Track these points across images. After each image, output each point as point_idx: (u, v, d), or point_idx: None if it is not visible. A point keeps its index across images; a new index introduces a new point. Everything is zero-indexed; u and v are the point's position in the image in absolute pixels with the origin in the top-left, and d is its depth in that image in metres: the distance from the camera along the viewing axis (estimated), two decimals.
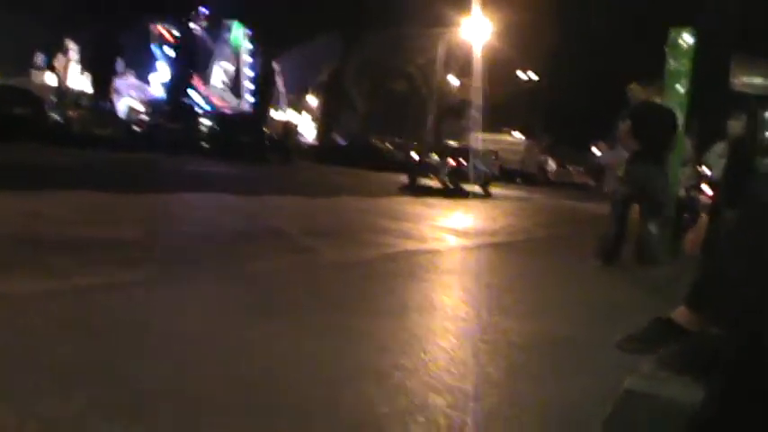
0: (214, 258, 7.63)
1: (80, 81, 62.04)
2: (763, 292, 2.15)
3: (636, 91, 10.18)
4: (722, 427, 1.99)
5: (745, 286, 2.32)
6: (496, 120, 58.49)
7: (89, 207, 10.70)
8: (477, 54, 48.25)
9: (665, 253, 11.82)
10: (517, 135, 61.59)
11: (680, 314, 3.78)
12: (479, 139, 46.70)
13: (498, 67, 53.25)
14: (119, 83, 65.42)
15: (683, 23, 12.39)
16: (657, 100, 10.25)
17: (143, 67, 75.55)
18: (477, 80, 49.30)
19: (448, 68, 58.07)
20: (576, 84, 53.09)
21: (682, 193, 12.72)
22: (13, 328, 4.19)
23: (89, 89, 52.81)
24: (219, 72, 76.94)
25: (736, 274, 2.53)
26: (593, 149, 56.43)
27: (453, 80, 60.87)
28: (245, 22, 71.57)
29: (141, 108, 52.05)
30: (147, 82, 77.24)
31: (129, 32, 53.66)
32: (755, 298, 2.17)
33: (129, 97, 68.18)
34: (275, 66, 64.02)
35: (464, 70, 55.65)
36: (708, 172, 12.88)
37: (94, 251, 7.07)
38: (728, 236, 3.84)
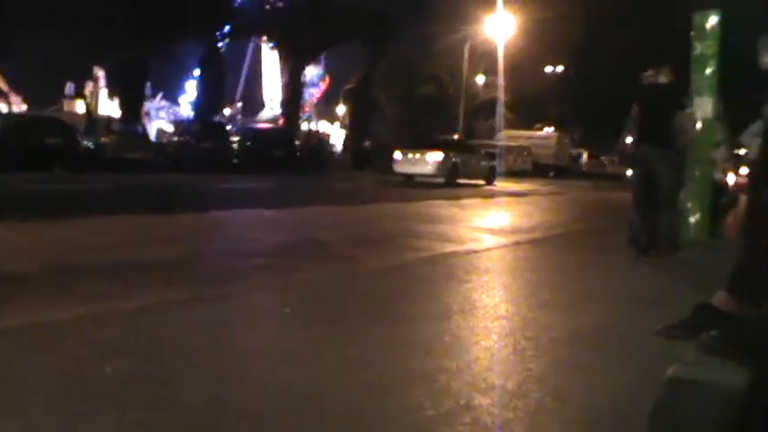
0: (255, 272, 7.70)
1: (109, 107, 62.62)
2: None
3: (648, 77, 10.14)
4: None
5: None
6: (527, 116, 58.37)
7: (125, 231, 10.81)
8: (502, 51, 48.12)
9: (705, 236, 11.78)
10: (548, 129, 61.38)
11: (720, 299, 3.76)
12: (504, 137, 46.75)
13: (525, 63, 53.16)
14: (148, 106, 65.99)
15: (705, 6, 12.30)
16: (662, 80, 10.12)
17: (172, 89, 76.24)
18: (504, 78, 49.22)
19: (474, 68, 57.99)
20: (604, 72, 52.81)
21: (718, 175, 12.63)
22: (57, 354, 4.25)
23: (118, 114, 53.27)
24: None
25: None
26: (626, 138, 56.02)
27: (480, 79, 60.82)
28: (269, 35, 71.97)
29: (171, 129, 52.39)
30: (177, 103, 77.92)
31: (156, 55, 54.03)
32: None
33: (159, 119, 68.73)
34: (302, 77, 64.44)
35: (490, 68, 55.58)
36: (745, 152, 12.78)
37: (135, 274, 7.15)
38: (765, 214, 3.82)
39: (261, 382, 3.90)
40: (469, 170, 32.60)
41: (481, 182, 33.28)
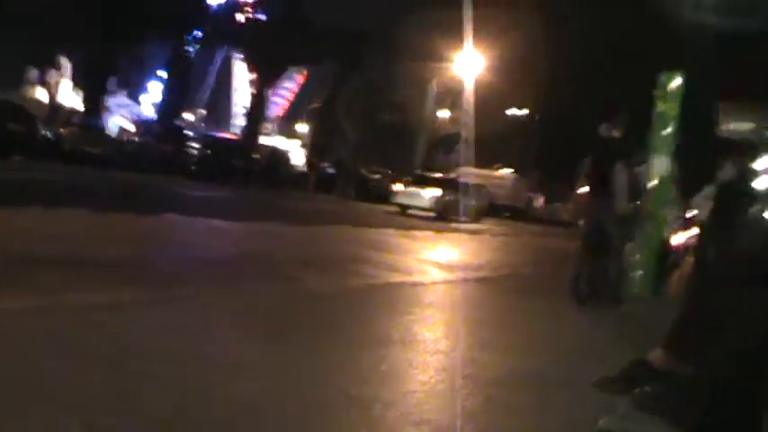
0: (202, 282, 7.65)
1: (71, 98, 61.98)
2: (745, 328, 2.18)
3: (604, 131, 10.30)
4: None
5: (725, 323, 2.36)
6: (487, 154, 58.69)
7: (80, 225, 10.71)
8: (469, 88, 48.46)
9: (649, 292, 11.93)
10: (506, 170, 61.71)
11: (656, 356, 3.83)
12: (463, 173, 47.09)
13: (490, 103, 53.48)
14: (110, 101, 65.44)
15: (667, 66, 12.51)
16: (617, 135, 10.26)
17: (135, 87, 75.67)
18: (468, 114, 49.48)
19: (439, 102, 58.31)
20: (568, 121, 53.31)
21: (667, 234, 12.79)
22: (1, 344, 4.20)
23: (80, 106, 52.80)
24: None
25: (719, 311, 2.57)
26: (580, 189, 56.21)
27: (444, 113, 61.13)
28: (239, 47, 71.84)
29: (132, 128, 52.10)
30: (138, 102, 77.32)
31: (123, 52, 53.74)
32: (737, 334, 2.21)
33: (121, 116, 68.16)
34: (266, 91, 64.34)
35: (455, 104, 55.88)
36: (695, 213, 12.96)
37: (84, 270, 7.07)
38: (712, 274, 3.89)
39: (190, 396, 3.86)
40: (459, 208, 34.42)
41: (467, 219, 35.04)
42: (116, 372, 4.02)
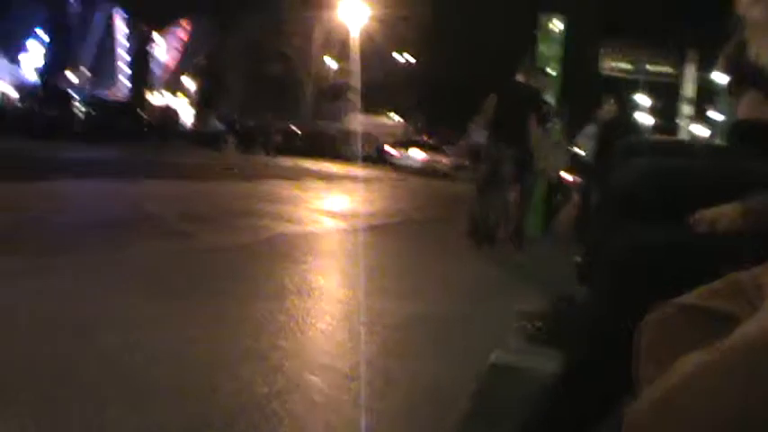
0: (91, 245, 7.52)
1: None
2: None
3: (519, 77, 10.43)
4: (574, 395, 2.12)
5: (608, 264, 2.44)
6: (374, 102, 58.74)
7: None
8: (355, 36, 48.35)
9: (537, 231, 12.21)
10: (394, 117, 61.89)
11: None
12: (360, 121, 47.52)
13: (375, 50, 53.48)
14: None
15: (551, 9, 12.72)
16: (521, 79, 10.40)
17: (14, 50, 73.25)
18: (355, 63, 49.46)
19: (325, 51, 58.04)
20: (453, 64, 53.62)
21: (552, 174, 13.05)
22: None
23: None
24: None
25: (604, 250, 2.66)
26: (469, 129, 56.60)
27: (331, 63, 60.89)
28: (118, 3, 70.10)
29: (15, 93, 50.51)
30: (18, 62, 74.88)
31: None
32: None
33: (2, 81, 66.06)
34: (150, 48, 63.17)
35: (342, 53, 55.71)
36: (580, 152, 13.24)
37: None
38: (595, 214, 4.03)
39: (88, 356, 3.82)
40: (436, 166, 42.74)
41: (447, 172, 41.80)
42: None
